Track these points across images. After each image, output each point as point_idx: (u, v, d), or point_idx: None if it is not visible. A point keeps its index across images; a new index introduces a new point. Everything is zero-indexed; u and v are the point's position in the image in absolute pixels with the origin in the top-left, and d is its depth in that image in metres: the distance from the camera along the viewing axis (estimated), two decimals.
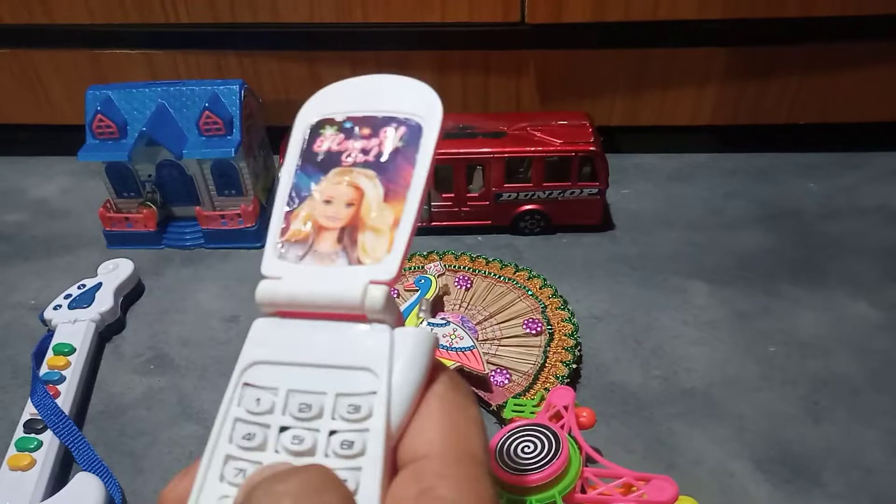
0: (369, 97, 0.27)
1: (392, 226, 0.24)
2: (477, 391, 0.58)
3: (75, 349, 0.64)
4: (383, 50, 0.85)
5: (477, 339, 0.63)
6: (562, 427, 0.47)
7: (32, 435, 0.56)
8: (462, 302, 0.68)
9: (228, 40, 0.85)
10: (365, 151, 0.26)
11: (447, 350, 0.61)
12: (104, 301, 0.69)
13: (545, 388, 0.59)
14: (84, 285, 0.71)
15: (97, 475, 0.53)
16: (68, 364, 0.63)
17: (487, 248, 0.79)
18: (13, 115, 0.94)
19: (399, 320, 0.24)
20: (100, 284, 0.71)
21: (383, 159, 0.25)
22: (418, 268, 0.73)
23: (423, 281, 0.68)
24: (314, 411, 0.22)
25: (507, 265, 0.73)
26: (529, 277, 0.71)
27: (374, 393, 0.22)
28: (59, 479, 0.55)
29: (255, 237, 0.80)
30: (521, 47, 0.84)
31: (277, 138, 0.85)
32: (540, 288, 0.70)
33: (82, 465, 0.55)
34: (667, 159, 0.93)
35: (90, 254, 0.81)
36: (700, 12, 0.77)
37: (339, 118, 0.26)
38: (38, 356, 0.64)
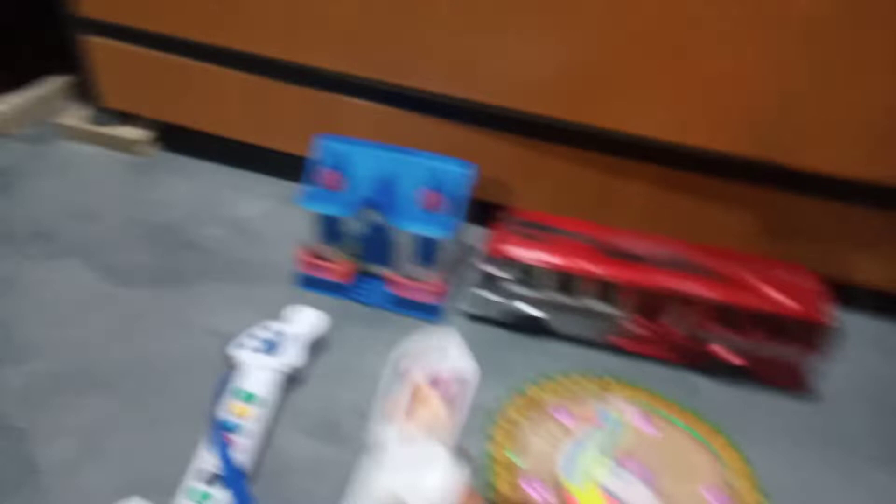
0: (439, 353, 0.51)
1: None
2: None
3: (258, 398, 0.66)
4: (607, 154, 0.82)
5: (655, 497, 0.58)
6: None
7: (204, 488, 0.57)
8: (639, 444, 0.64)
9: (456, 112, 0.85)
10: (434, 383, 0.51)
11: None
12: (294, 354, 0.71)
13: None
14: (272, 328, 0.73)
15: None
16: (250, 414, 0.64)
17: (666, 379, 0.74)
18: (237, 131, 1.00)
19: None
20: (287, 332, 0.73)
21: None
22: (598, 391, 0.69)
23: (605, 415, 0.64)
24: None
25: (687, 410, 0.68)
26: (713, 432, 0.66)
27: None
28: None
29: (436, 312, 0.80)
30: (750, 182, 0.79)
31: (481, 211, 0.85)
32: (725, 447, 0.64)
33: None
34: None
35: (279, 289, 0.83)
36: None
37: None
38: (218, 395, 0.66)
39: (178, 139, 1.09)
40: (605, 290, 0.73)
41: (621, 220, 0.84)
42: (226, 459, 0.59)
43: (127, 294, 0.81)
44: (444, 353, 0.55)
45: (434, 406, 0.51)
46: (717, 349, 0.72)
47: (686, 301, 0.71)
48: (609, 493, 0.58)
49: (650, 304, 0.72)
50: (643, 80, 0.74)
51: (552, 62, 0.77)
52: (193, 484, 0.57)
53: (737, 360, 0.72)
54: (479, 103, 0.82)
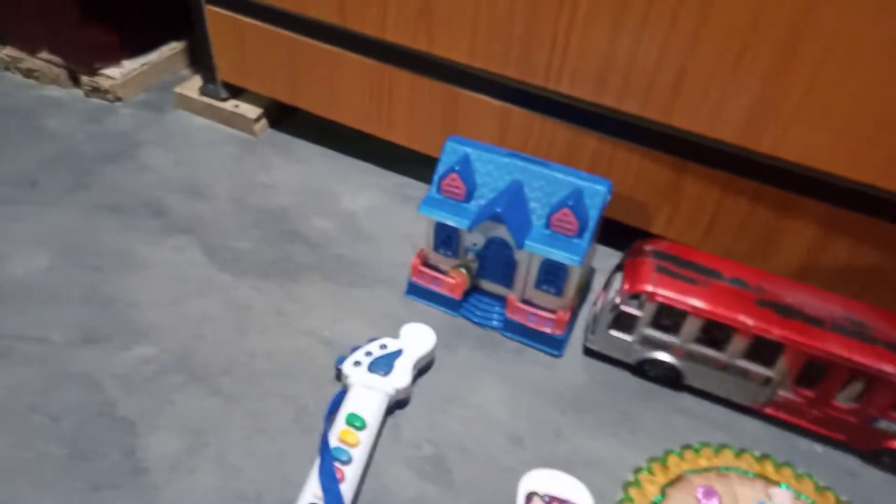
0: (563, 486, 0.56)
1: None
2: None
3: (367, 424, 0.60)
4: (768, 185, 0.71)
5: None
6: None
7: None
8: None
9: (594, 120, 0.76)
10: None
11: None
12: (403, 375, 0.65)
13: None
14: (385, 346, 0.67)
15: None
16: (358, 442, 0.58)
17: (829, 468, 0.64)
18: (353, 118, 0.94)
19: None
20: (401, 351, 0.67)
21: None
22: (753, 476, 0.59)
23: None
24: None
25: None
26: None
27: None
28: None
29: (557, 345, 0.72)
30: None
31: (608, 231, 0.76)
32: None
33: None
34: None
35: (388, 297, 0.77)
36: None
37: (542, 493, 0.56)
38: (330, 418, 0.61)
39: (288, 118, 1.05)
40: (762, 348, 0.63)
41: (779, 268, 0.73)
42: (335, 496, 0.53)
43: (232, 281, 0.78)
44: (567, 484, 0.58)
45: None
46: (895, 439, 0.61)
47: (865, 378, 0.60)
48: None
49: (818, 374, 0.62)
50: (847, 112, 0.62)
51: (730, 78, 0.66)
52: None
53: None
54: (625, 113, 0.73)
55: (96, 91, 1.07)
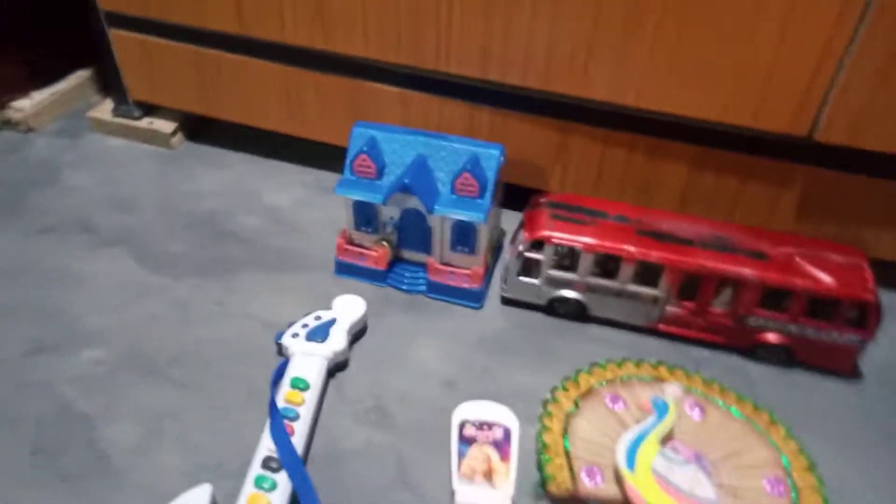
0: (490, 412, 0.65)
1: (506, 472, 0.60)
2: None
3: (310, 385, 0.67)
4: (640, 134, 0.81)
5: (713, 485, 0.58)
6: None
7: (269, 474, 0.58)
8: (695, 433, 0.64)
9: (485, 95, 0.85)
10: (486, 437, 0.63)
11: (686, 496, 0.57)
12: (338, 339, 0.71)
13: None
14: (320, 317, 0.74)
15: None
16: (303, 401, 0.65)
17: (716, 367, 0.74)
18: (267, 121, 1.00)
19: None
20: (334, 320, 0.73)
21: (496, 440, 0.62)
22: (651, 379, 0.69)
23: (659, 403, 0.64)
24: None
25: (744, 399, 0.68)
26: (771, 422, 0.65)
27: None
28: None
29: (476, 297, 0.80)
30: (792, 160, 0.78)
31: (511, 196, 0.85)
32: (783, 438, 0.64)
33: None
34: None
35: (319, 278, 0.84)
36: None
37: (472, 420, 0.64)
38: (276, 384, 0.67)
39: (204, 130, 1.10)
40: (649, 273, 0.73)
41: (662, 203, 0.84)
42: (287, 447, 0.60)
43: (172, 283, 0.82)
44: (493, 409, 0.66)
45: (495, 463, 0.61)
46: (766, 334, 0.72)
47: (732, 283, 0.71)
48: (667, 482, 0.58)
49: (695, 287, 0.72)
50: (688, 62, 0.73)
51: (590, 42, 0.76)
52: (259, 471, 0.58)
53: (784, 342, 0.72)
54: (510, 86, 0.82)
55: (8, 124, 1.09)
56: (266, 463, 0.59)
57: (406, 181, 0.74)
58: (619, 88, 0.78)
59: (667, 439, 0.63)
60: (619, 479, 0.59)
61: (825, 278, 0.69)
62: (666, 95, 0.76)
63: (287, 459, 0.59)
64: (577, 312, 0.78)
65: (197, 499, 0.57)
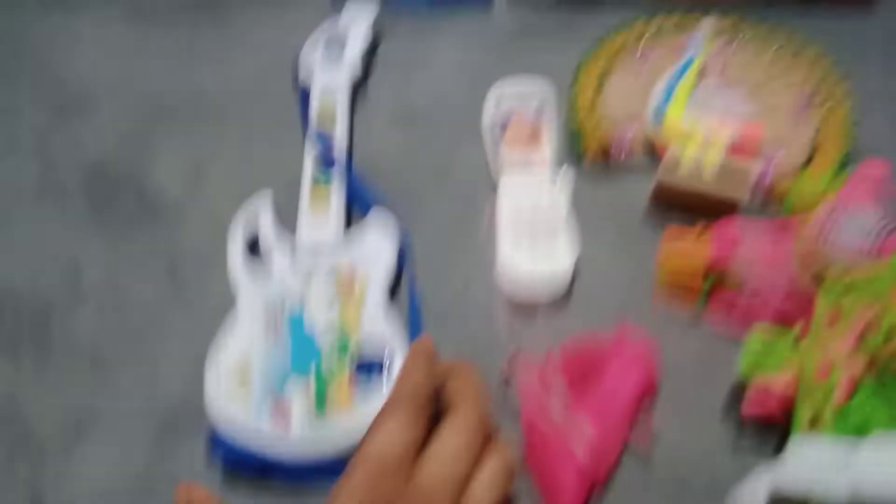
0: (523, 84, 0.64)
1: (546, 134, 0.61)
2: None
3: (336, 96, 0.67)
4: None
5: (752, 104, 0.59)
6: None
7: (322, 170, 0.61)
8: (733, 64, 0.63)
9: None
10: (525, 108, 0.63)
11: (725, 116, 0.58)
12: (352, 54, 0.70)
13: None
14: (333, 30, 0.71)
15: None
16: (333, 112, 0.65)
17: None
18: None
19: None
20: (347, 33, 0.71)
21: (535, 109, 0.63)
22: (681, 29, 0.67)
23: (696, 40, 0.63)
24: None
25: (777, 29, 0.66)
26: (803, 45, 0.64)
27: None
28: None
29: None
30: None
31: None
32: (816, 56, 0.63)
33: (369, 203, 0.60)
34: None
35: (315, 7, 0.79)
36: None
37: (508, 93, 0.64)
38: (305, 107, 0.67)
39: None
40: None
41: None
42: (327, 151, 0.62)
43: (173, 33, 0.78)
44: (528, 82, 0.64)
45: (535, 129, 0.61)
46: None
47: None
48: (706, 107, 0.59)
49: None
50: None
51: None
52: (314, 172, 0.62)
53: None
54: None
55: None
56: (315, 163, 0.62)
57: None
58: None
59: (703, 73, 0.62)
60: (650, 129, 0.60)
61: None
62: None
63: (325, 160, 0.62)
64: None
65: (259, 205, 0.60)
